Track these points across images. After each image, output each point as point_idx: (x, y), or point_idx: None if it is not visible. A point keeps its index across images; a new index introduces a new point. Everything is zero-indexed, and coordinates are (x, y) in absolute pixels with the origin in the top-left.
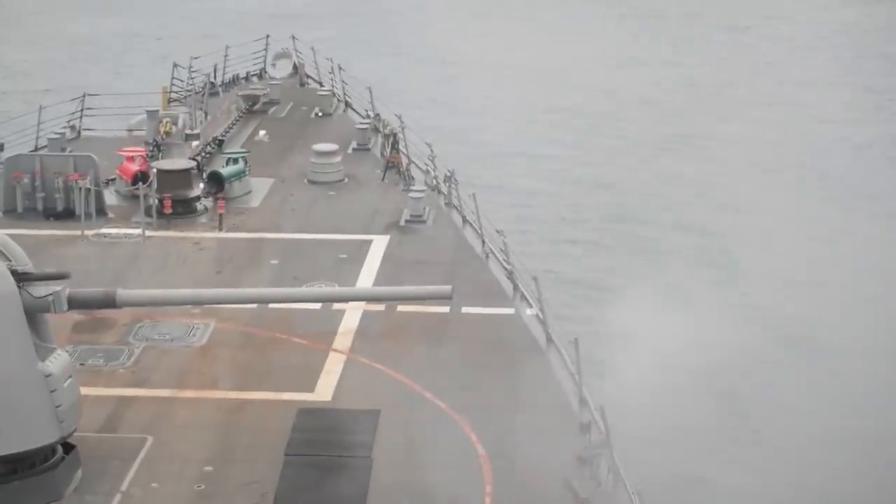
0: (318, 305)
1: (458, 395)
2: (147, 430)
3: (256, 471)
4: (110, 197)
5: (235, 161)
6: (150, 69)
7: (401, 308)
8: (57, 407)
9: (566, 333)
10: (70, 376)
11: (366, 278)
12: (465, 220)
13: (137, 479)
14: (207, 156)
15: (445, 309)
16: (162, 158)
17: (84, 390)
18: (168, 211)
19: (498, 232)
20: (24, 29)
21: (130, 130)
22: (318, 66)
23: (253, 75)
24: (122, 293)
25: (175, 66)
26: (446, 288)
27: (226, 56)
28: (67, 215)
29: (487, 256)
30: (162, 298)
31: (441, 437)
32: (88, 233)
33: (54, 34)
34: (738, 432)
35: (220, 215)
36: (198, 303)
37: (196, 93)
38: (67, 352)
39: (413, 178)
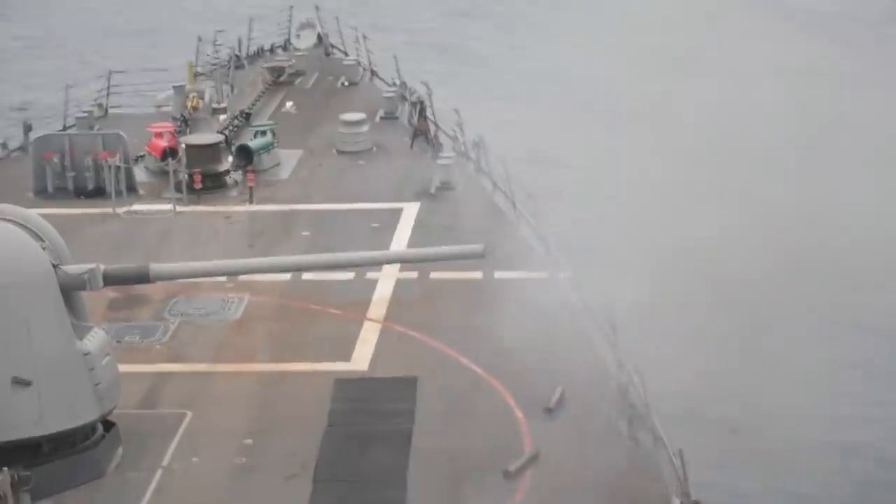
0: (351, 275)
1: (495, 359)
2: (186, 404)
3: (296, 442)
4: (140, 174)
5: (263, 133)
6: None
7: (434, 275)
8: (96, 385)
9: (600, 296)
10: (108, 354)
11: (398, 246)
12: (494, 186)
13: (178, 455)
14: (235, 129)
15: (479, 274)
16: (190, 133)
17: (122, 367)
18: (198, 186)
19: (529, 196)
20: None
21: (158, 106)
22: (342, 35)
23: (278, 47)
24: (156, 267)
25: (200, 39)
26: (478, 247)
27: (250, 29)
28: (98, 193)
29: (519, 221)
30: (195, 271)
31: (479, 403)
32: (119, 210)
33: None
34: None
35: (250, 188)
36: (231, 273)
37: (222, 66)
38: (104, 329)
39: (441, 144)
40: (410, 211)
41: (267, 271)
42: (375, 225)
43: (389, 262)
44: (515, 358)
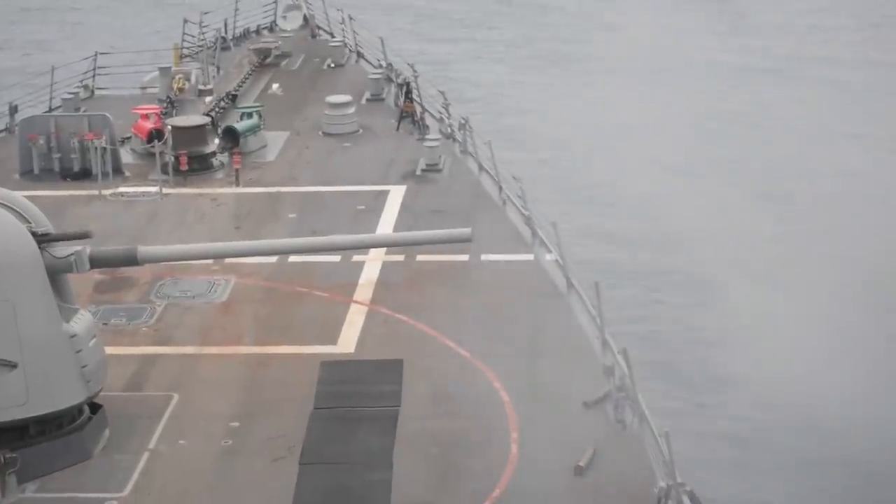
0: (337, 258)
1: (481, 342)
2: (172, 387)
3: (283, 424)
4: (126, 155)
5: (250, 115)
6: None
7: (420, 258)
8: (83, 367)
9: (586, 278)
10: (94, 336)
11: (384, 228)
12: (481, 168)
13: (165, 437)
14: (221, 111)
15: (465, 257)
16: (176, 115)
17: (108, 349)
18: (184, 168)
19: (515, 178)
20: None
21: (144, 88)
22: (328, 17)
23: (263, 28)
24: (143, 250)
25: (186, 21)
26: (466, 231)
27: (236, 10)
28: (84, 175)
29: (505, 203)
30: (183, 254)
31: (465, 386)
32: (106, 192)
33: None
34: None
35: (237, 170)
36: (218, 256)
37: (207, 48)
38: (90, 312)
39: (427, 126)
40: (397, 193)
41: (254, 254)
42: (361, 207)
43: (376, 245)
44: (501, 341)
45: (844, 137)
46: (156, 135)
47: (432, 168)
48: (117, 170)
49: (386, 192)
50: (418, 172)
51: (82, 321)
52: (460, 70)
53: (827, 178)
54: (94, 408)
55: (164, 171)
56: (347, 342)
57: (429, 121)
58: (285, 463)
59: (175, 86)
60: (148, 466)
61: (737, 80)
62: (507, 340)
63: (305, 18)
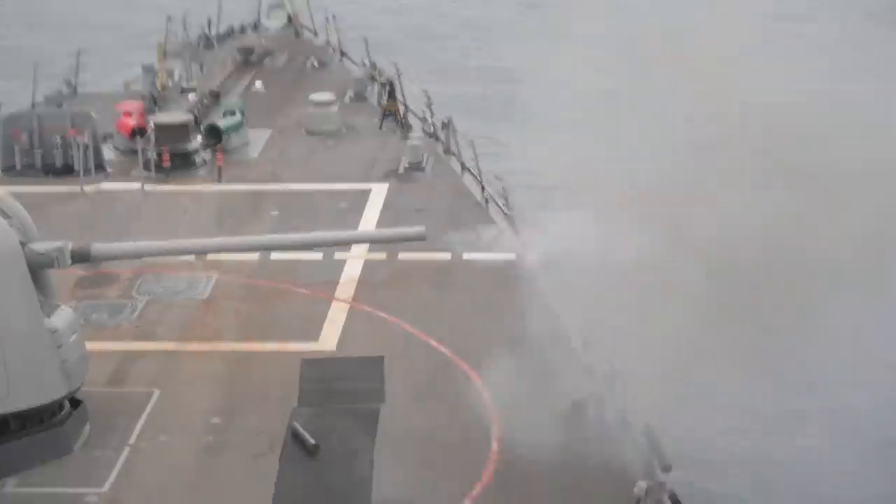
0: (319, 255)
1: (462, 340)
2: (153, 383)
3: (264, 421)
4: (108, 152)
5: (233, 113)
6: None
7: (402, 256)
8: (63, 362)
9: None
10: (75, 331)
11: (366, 227)
12: (463, 167)
13: (145, 433)
14: (204, 108)
15: (447, 256)
16: (159, 112)
17: (89, 345)
18: (167, 164)
19: (497, 178)
20: None
21: (127, 85)
22: (312, 16)
23: (247, 27)
24: (98, 247)
25: (169, 19)
26: (420, 229)
27: (220, 8)
28: (66, 171)
29: (487, 202)
30: (139, 251)
31: (446, 383)
32: (88, 189)
33: None
34: None
35: (219, 167)
36: (197, 252)
37: (191, 46)
38: (71, 307)
39: (410, 125)
40: (379, 192)
41: (233, 251)
42: (343, 205)
43: (337, 243)
44: (483, 339)
45: None
46: (138, 132)
47: (415, 166)
48: (99, 166)
49: (369, 191)
50: (401, 171)
51: (63, 316)
52: None
53: None
54: (75, 403)
55: (147, 168)
56: (329, 339)
57: (412, 120)
58: (266, 459)
59: (158, 83)
60: (128, 462)
61: None
62: (489, 339)
63: (289, 17)
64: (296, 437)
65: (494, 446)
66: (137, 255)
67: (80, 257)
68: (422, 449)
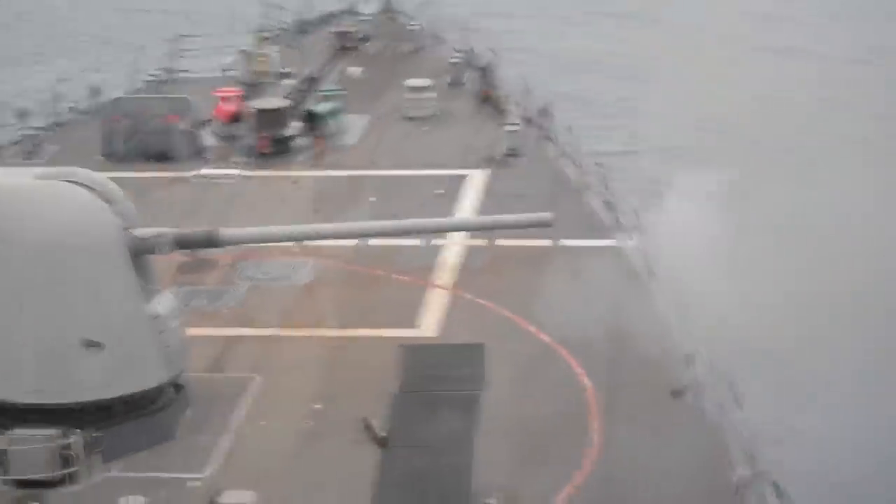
0: (418, 241)
1: (562, 327)
2: (254, 368)
3: (364, 407)
4: (207, 138)
5: (330, 99)
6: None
7: (501, 242)
8: (165, 348)
9: (668, 265)
10: (177, 317)
11: (463, 212)
12: (561, 153)
13: (246, 418)
14: (302, 94)
15: (546, 242)
16: (256, 98)
17: (190, 331)
18: (265, 150)
19: (597, 164)
20: None
21: (224, 70)
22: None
23: (344, 12)
24: (225, 232)
25: (266, 4)
26: (546, 215)
27: None
28: (166, 157)
29: (586, 188)
30: (263, 236)
31: (546, 371)
32: (187, 174)
33: None
34: None
35: (317, 153)
36: (299, 239)
37: (288, 31)
38: (172, 293)
39: (508, 111)
40: (477, 178)
41: (334, 237)
42: (441, 191)
43: (457, 229)
44: (582, 326)
45: None
46: (237, 117)
47: (512, 152)
48: (198, 152)
49: (466, 177)
50: (498, 157)
51: (165, 302)
52: None
53: None
54: (177, 388)
55: (246, 154)
56: (429, 326)
57: (509, 105)
58: (366, 445)
59: (255, 68)
60: (230, 447)
61: None
62: (588, 326)
63: (386, 1)
64: (368, 428)
65: (594, 435)
66: (263, 241)
67: (210, 242)
68: (522, 436)
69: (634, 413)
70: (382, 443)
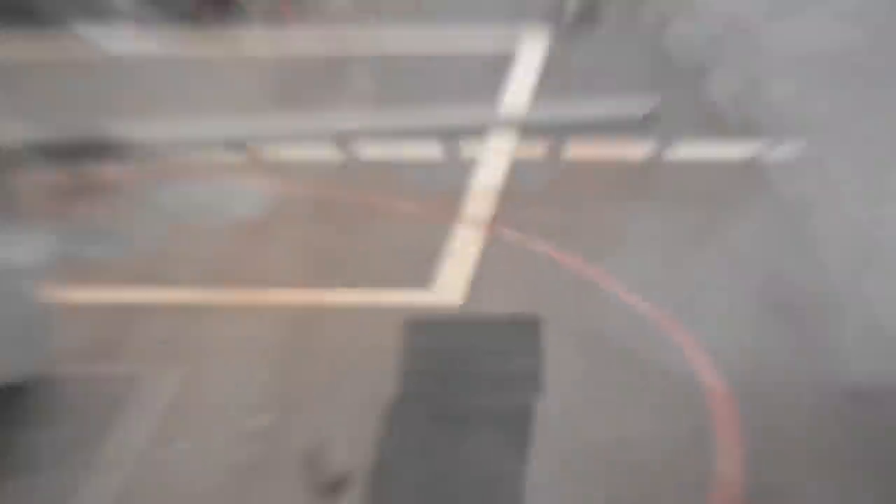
0: (437, 152)
1: (669, 290)
2: (166, 358)
3: (339, 421)
4: None
5: None
6: None
7: (573, 152)
8: (19, 325)
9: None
10: (41, 274)
11: (513, 102)
12: (664, 18)
13: (150, 441)
14: None
15: (642, 151)
16: None
17: (65, 296)
18: (203, 10)
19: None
20: None
21: None
22: None
23: None
24: (128, 132)
25: None
26: (636, 109)
27: None
28: (36, 16)
29: (704, 71)
30: (190, 138)
31: (641, 358)
32: (73, 45)
33: None
34: None
35: (281, 14)
36: (246, 142)
37: None
38: (37, 235)
39: None
40: (533, 45)
41: (304, 138)
42: (477, 68)
43: (500, 126)
44: (702, 288)
45: None
46: None
47: (589, 12)
48: (93, 9)
49: (515, 45)
50: (567, 18)
51: (22, 250)
52: None
53: None
54: (32, 393)
55: (171, 15)
56: (450, 287)
57: None
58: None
59: None
60: (118, 490)
61: None
62: (712, 287)
63: None
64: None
65: (731, 460)
66: (188, 146)
67: (102, 149)
68: (606, 467)
69: (775, 412)
70: (335, 487)
